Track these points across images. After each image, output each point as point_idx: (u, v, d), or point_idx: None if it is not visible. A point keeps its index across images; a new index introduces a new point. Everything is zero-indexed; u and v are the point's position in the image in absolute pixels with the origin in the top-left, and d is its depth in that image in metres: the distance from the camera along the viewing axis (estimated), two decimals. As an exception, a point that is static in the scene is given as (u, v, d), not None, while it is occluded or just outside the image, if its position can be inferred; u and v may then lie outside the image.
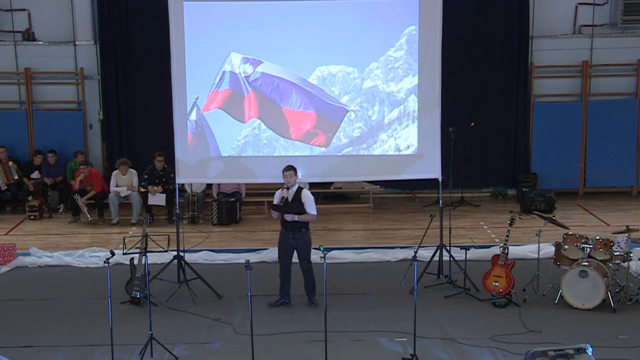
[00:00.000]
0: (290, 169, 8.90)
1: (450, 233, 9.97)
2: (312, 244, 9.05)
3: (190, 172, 10.05)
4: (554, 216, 10.17)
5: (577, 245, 8.99)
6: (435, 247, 9.84)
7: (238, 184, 13.52)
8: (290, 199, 8.86)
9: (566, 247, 9.10)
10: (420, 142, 9.85)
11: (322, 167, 9.98)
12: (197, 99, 9.77)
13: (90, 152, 15.03)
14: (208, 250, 11.32)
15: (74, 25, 14.71)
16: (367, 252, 11.20)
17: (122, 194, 13.47)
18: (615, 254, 8.92)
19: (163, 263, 9.96)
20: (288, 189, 8.90)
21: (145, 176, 13.33)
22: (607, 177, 15.10)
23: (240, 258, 10.44)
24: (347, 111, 9.85)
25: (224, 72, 9.74)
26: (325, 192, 14.99)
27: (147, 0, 14.07)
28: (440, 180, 9.86)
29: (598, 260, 8.84)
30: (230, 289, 9.58)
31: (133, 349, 7.70)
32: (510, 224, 9.07)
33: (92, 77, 14.90)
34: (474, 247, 11.09)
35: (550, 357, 5.72)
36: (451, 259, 9.74)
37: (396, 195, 15.48)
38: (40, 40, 14.83)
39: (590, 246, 8.89)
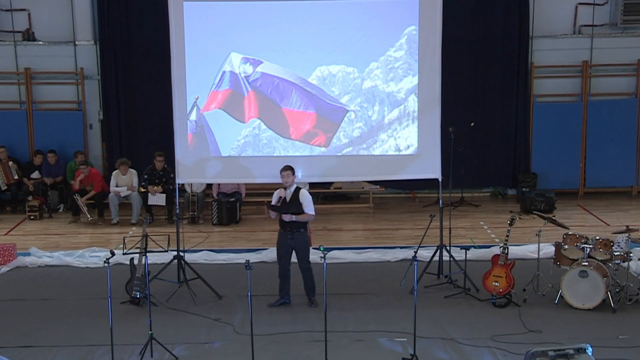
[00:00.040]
0: (288, 169, 8.90)
1: (450, 233, 9.97)
2: (311, 244, 9.04)
3: (190, 172, 10.05)
4: (554, 216, 10.17)
5: (577, 245, 8.99)
6: (435, 247, 9.83)
7: (238, 184, 13.52)
8: (288, 199, 8.86)
9: (566, 247, 9.10)
10: (420, 142, 9.85)
11: (322, 167, 9.98)
12: (197, 99, 9.77)
13: (90, 152, 15.03)
14: (208, 250, 11.32)
15: (74, 25, 14.71)
16: (367, 252, 11.20)
17: (122, 194, 13.47)
18: (615, 254, 8.92)
19: (163, 263, 9.96)
20: (286, 189, 8.90)
21: (145, 176, 13.33)
22: (607, 177, 15.10)
23: (240, 258, 10.44)
24: (347, 111, 9.85)
25: (224, 72, 9.74)
26: (325, 192, 14.99)
27: (147, 0, 14.08)
28: (440, 180, 9.86)
29: (598, 260, 8.84)
30: (230, 289, 9.58)
31: (133, 349, 7.70)
32: (510, 224, 9.07)
33: (92, 77, 14.91)
34: (474, 247, 11.09)
35: (550, 357, 5.72)
36: (451, 259, 9.74)
37: (396, 195, 15.48)
38: (40, 40, 14.83)
39: (590, 246, 8.89)
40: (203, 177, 10.93)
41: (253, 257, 10.33)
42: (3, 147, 14.19)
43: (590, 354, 5.81)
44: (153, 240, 8.64)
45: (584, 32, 14.82)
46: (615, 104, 14.88)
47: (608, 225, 12.71)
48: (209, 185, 13.74)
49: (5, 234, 12.76)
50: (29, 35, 14.78)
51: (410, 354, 7.41)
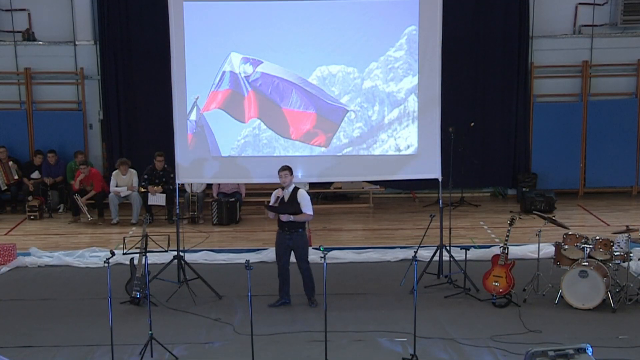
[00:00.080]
0: (286, 169, 8.90)
1: (450, 233, 9.97)
2: (311, 244, 9.04)
3: (190, 172, 10.05)
4: (554, 216, 10.17)
5: (577, 245, 9.00)
6: (435, 247, 9.83)
7: (238, 184, 13.52)
8: (286, 199, 8.86)
9: (566, 247, 9.10)
10: (420, 142, 9.85)
11: (322, 167, 9.98)
12: (197, 99, 9.77)
13: (90, 152, 15.03)
14: (208, 250, 11.32)
15: (74, 25, 14.71)
16: (367, 252, 11.20)
17: (122, 194, 13.47)
18: (615, 254, 8.92)
19: (163, 263, 9.96)
20: (283, 189, 8.90)
21: (145, 176, 13.33)
22: (607, 177, 15.10)
23: (240, 258, 10.44)
24: (347, 111, 9.85)
25: (224, 72, 9.74)
26: (325, 192, 15.00)
27: (147, 0, 14.08)
28: (440, 180, 9.86)
29: (598, 260, 8.84)
30: (230, 289, 9.58)
31: (133, 349, 7.70)
32: (510, 224, 9.07)
33: (92, 77, 14.91)
34: (474, 247, 11.09)
35: (550, 357, 5.72)
36: (451, 259, 9.74)
37: (396, 195, 15.48)
38: (40, 40, 14.83)
39: (590, 246, 8.89)
40: (203, 177, 10.92)
41: (253, 257, 10.33)
42: (3, 147, 14.19)
43: (590, 354, 5.81)
44: (153, 240, 8.63)
45: (584, 32, 14.82)
46: (615, 104, 14.88)
47: (608, 225, 12.71)
48: (209, 185, 13.74)
49: (5, 234, 12.76)
50: (29, 35, 14.78)
51: (410, 354, 7.41)
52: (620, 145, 14.89)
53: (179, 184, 10.12)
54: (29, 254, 11.12)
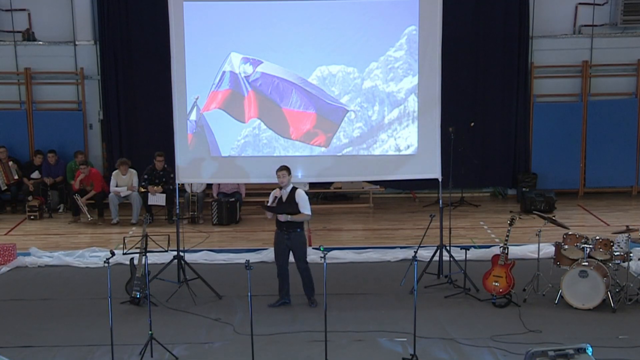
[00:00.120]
0: (284, 169, 8.89)
1: (450, 233, 9.97)
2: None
3: (190, 172, 10.05)
4: (554, 216, 10.16)
5: (577, 245, 9.00)
6: (435, 247, 9.83)
7: (238, 184, 13.52)
8: (284, 199, 8.85)
9: (566, 247, 9.10)
10: (420, 142, 9.85)
11: (322, 167, 9.98)
12: (197, 99, 9.77)
13: (90, 152, 15.03)
14: (208, 250, 11.32)
15: (74, 25, 14.71)
16: (367, 252, 11.20)
17: (122, 194, 13.48)
18: (615, 254, 8.92)
19: (163, 263, 9.96)
20: (281, 189, 8.90)
21: (145, 176, 13.33)
22: (607, 177, 15.10)
23: (240, 258, 10.44)
24: (347, 111, 9.85)
25: (224, 72, 9.74)
26: (325, 192, 15.00)
27: (147, 0, 14.08)
28: (440, 180, 9.86)
29: (598, 260, 8.84)
30: (230, 289, 9.58)
31: (133, 349, 7.70)
32: (510, 224, 9.07)
33: (92, 77, 14.91)
34: (474, 247, 11.10)
35: (550, 357, 5.72)
36: (451, 259, 9.74)
37: (396, 195, 15.48)
38: (40, 40, 14.83)
39: (590, 246, 8.89)
40: (203, 177, 10.90)
41: (253, 257, 10.33)
42: (3, 147, 14.19)
43: (590, 354, 5.81)
44: (153, 240, 8.63)
45: (584, 32, 14.82)
46: (615, 104, 14.88)
47: (608, 225, 12.71)
48: (209, 185, 13.74)
49: (5, 234, 12.76)
50: (29, 35, 14.78)
51: (410, 354, 7.41)
52: (620, 145, 14.89)
53: (179, 184, 10.12)
54: (29, 254, 11.12)
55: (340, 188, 14.95)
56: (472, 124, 14.24)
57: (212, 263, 10.82)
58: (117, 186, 13.51)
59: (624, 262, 8.95)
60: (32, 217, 13.73)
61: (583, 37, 14.81)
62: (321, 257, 7.26)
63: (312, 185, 13.26)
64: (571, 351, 5.77)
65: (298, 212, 8.80)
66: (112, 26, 14.51)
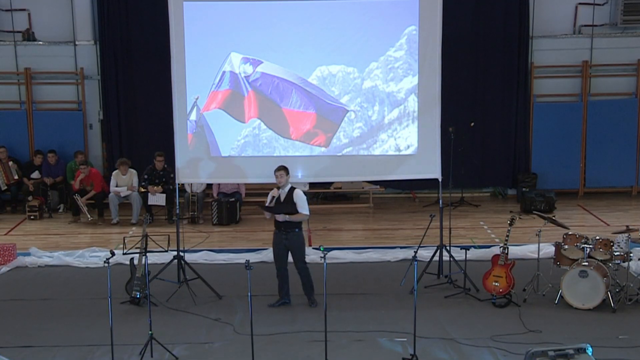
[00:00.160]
0: (282, 169, 8.89)
1: (450, 233, 9.97)
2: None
3: (190, 172, 10.05)
4: (554, 216, 10.16)
5: (577, 245, 9.00)
6: (435, 247, 9.83)
7: (238, 184, 13.52)
8: (282, 199, 8.85)
9: (566, 247, 9.10)
10: (420, 142, 9.85)
11: (322, 167, 9.98)
12: (197, 99, 9.77)
13: (90, 152, 15.03)
14: (208, 250, 11.32)
15: (74, 25, 14.72)
16: (367, 252, 11.20)
17: (122, 194, 13.48)
18: (615, 254, 8.92)
19: (163, 263, 9.96)
20: (279, 188, 8.90)
21: (145, 176, 13.34)
22: (607, 177, 15.10)
23: (240, 258, 10.43)
24: (347, 111, 9.85)
25: (224, 72, 9.74)
26: (325, 192, 15.00)
27: (147, 0, 14.08)
28: (440, 180, 9.86)
29: (598, 260, 8.84)
30: (230, 289, 9.58)
31: (133, 349, 7.70)
32: (510, 224, 9.07)
33: (92, 77, 14.91)
34: (474, 247, 11.09)
35: (550, 357, 5.72)
36: (451, 259, 9.73)
37: (396, 195, 15.48)
38: (40, 40, 14.83)
39: (590, 246, 8.89)
40: (203, 177, 10.90)
41: (253, 257, 10.33)
42: (3, 147, 14.20)
43: (590, 354, 5.82)
44: (153, 240, 8.63)
45: (584, 32, 14.82)
46: (615, 104, 14.88)
47: (608, 225, 12.71)
48: (209, 185, 13.74)
49: (5, 234, 12.76)
50: (29, 35, 14.78)
51: (410, 354, 7.41)
52: (620, 145, 14.89)
53: (179, 184, 10.12)
54: (29, 254, 11.12)
55: (340, 188, 14.95)
56: (472, 124, 14.24)
57: (212, 263, 10.82)
58: (117, 186, 13.51)
59: (624, 262, 8.95)
60: (32, 217, 13.73)
61: (583, 37, 14.81)
62: (321, 257, 7.26)
63: (312, 185, 13.26)
64: (571, 351, 5.77)
65: (296, 212, 8.79)
66: (112, 26, 14.51)
